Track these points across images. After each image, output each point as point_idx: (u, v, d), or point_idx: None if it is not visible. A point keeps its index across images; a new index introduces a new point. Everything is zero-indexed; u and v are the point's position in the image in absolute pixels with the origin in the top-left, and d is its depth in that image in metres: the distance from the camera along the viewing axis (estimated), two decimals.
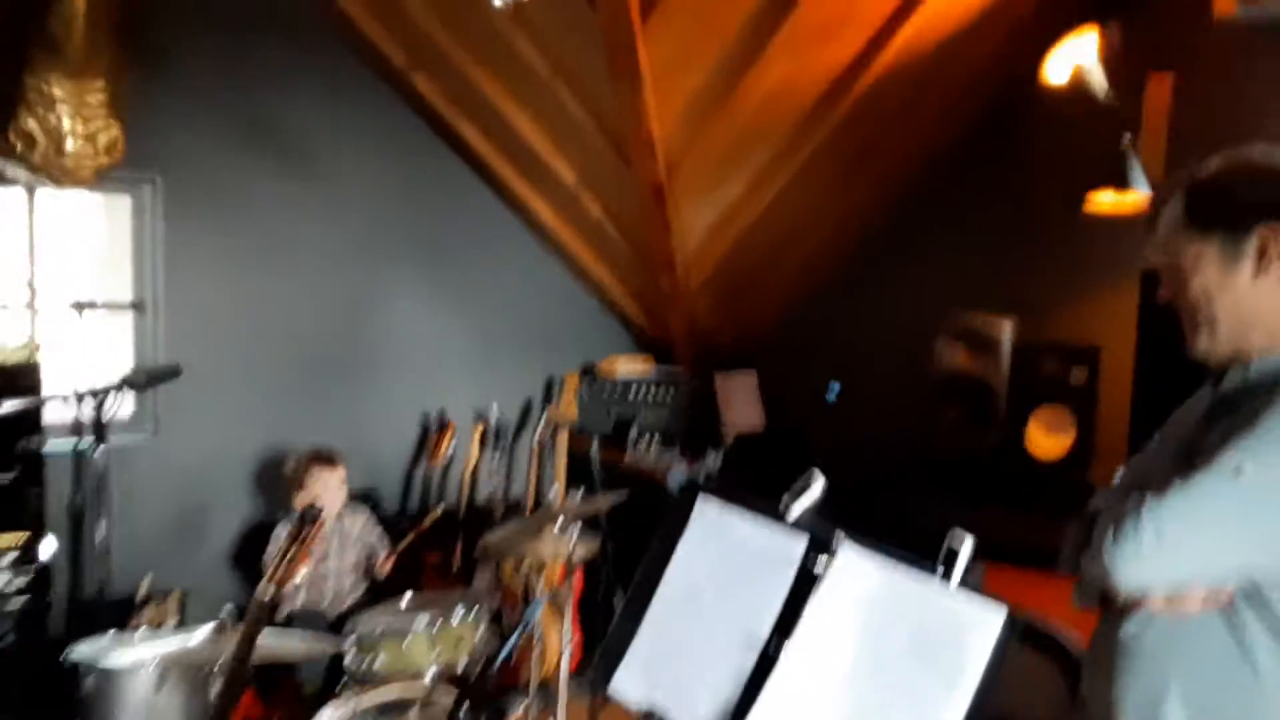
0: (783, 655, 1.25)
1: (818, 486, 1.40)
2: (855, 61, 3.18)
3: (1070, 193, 3.17)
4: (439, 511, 3.98)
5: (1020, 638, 1.12)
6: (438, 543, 4.10)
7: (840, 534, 1.32)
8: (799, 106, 3.31)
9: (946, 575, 1.20)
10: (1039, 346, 3.27)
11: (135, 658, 2.31)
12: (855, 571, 1.27)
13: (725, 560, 1.38)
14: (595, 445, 3.50)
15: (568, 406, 4.25)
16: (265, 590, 2.06)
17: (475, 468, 4.21)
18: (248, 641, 2.04)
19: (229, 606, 2.36)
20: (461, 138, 4.05)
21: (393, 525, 3.94)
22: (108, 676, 2.59)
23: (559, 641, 3.97)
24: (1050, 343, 3.30)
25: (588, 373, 4.54)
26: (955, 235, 3.89)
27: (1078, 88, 2.94)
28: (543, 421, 4.20)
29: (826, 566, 1.29)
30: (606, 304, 4.83)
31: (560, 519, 2.70)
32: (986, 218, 3.80)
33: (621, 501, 2.79)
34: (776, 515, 1.41)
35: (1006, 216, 3.69)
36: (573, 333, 4.79)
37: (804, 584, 1.30)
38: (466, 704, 1.91)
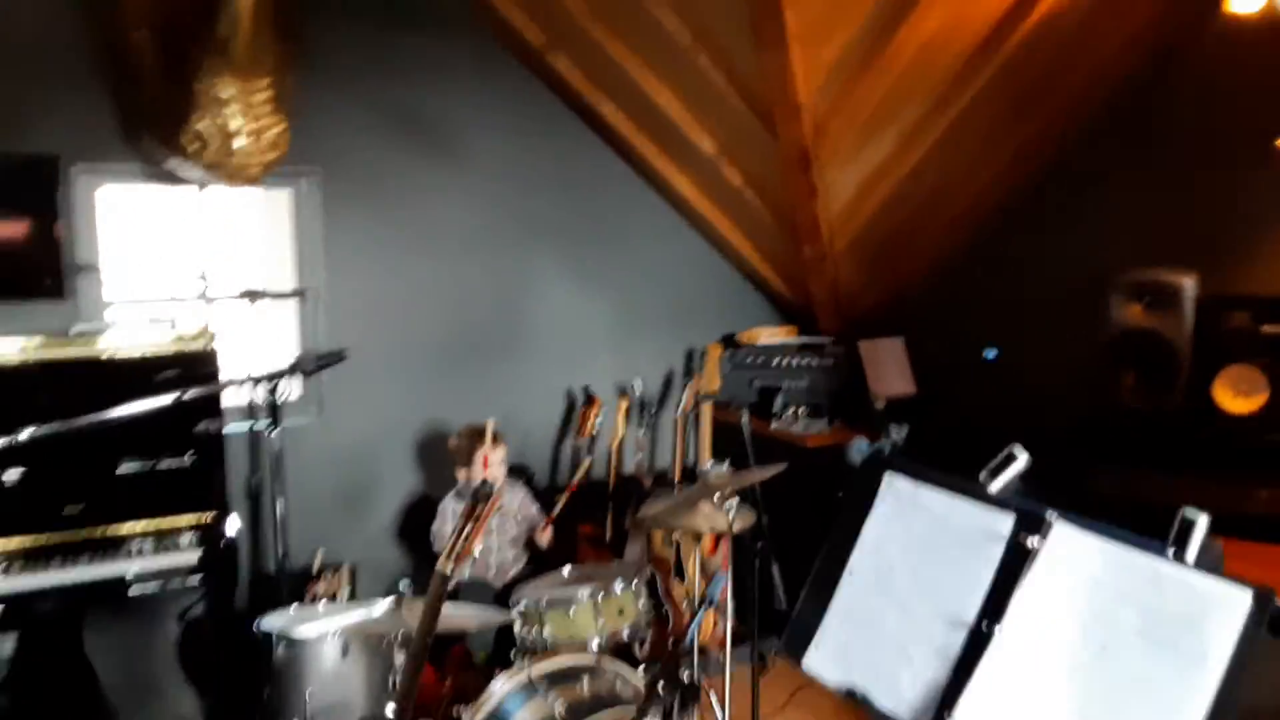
0: (996, 636, 1.19)
1: (1021, 461, 1.33)
2: (1015, 6, 3.00)
3: (1259, 133, 2.91)
4: (588, 463, 4.07)
5: (1272, 624, 1.03)
6: (588, 515, 4.16)
7: (1052, 511, 1.25)
8: (954, 58, 3.15)
9: (1179, 554, 1.12)
10: (1226, 300, 3.03)
11: (322, 628, 2.43)
12: (1073, 549, 1.20)
13: (921, 539, 1.32)
14: (746, 417, 3.46)
15: (711, 378, 4.22)
16: (445, 566, 2.12)
17: (621, 440, 4.25)
18: (431, 614, 2.10)
19: (405, 581, 2.45)
20: (601, 116, 4.05)
21: (543, 499, 4.02)
22: (297, 646, 2.75)
23: (713, 611, 4.01)
24: (1239, 296, 3.06)
25: (729, 343, 4.50)
26: (1125, 186, 3.65)
27: (1272, 15, 2.68)
28: (686, 393, 4.19)
29: (1039, 544, 1.22)
30: (746, 274, 4.77)
31: (719, 492, 2.68)
32: (1161, 165, 3.54)
33: (780, 473, 2.75)
34: (975, 491, 1.34)
35: (1184, 163, 3.43)
36: (713, 304, 4.77)
37: (1013, 562, 1.24)
38: (662, 681, 1.91)
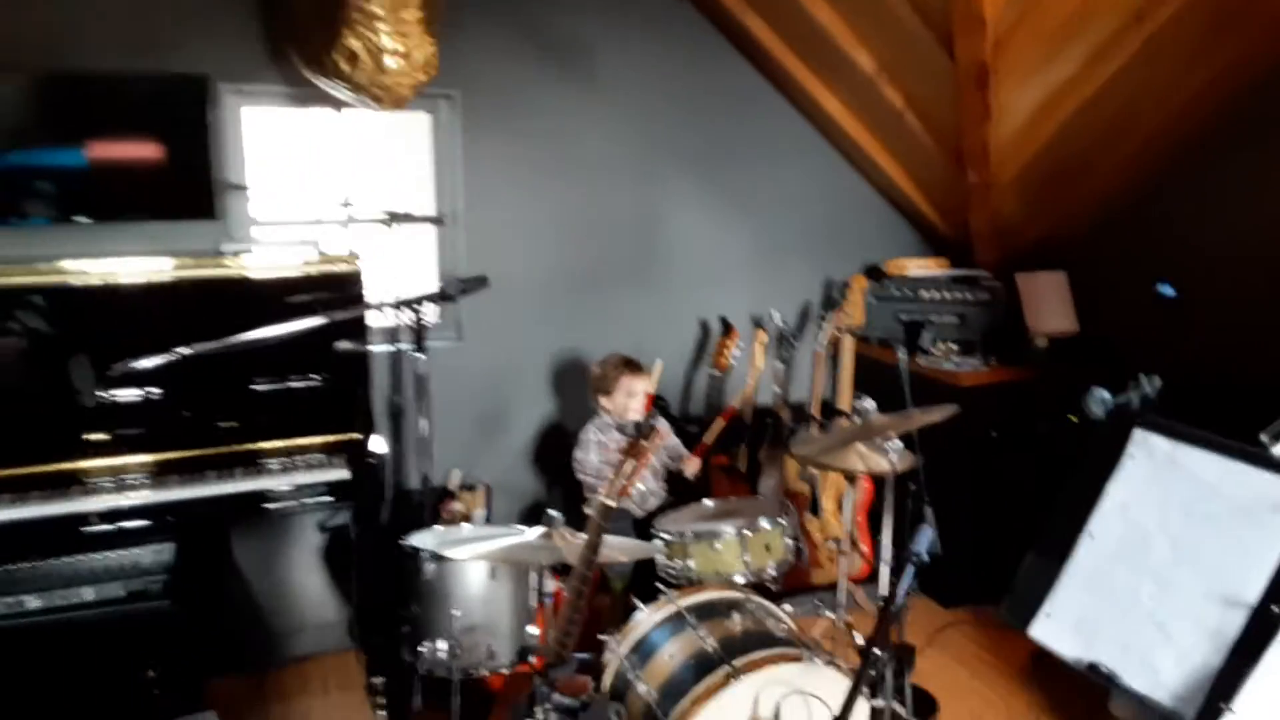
0: None
1: None
2: None
3: None
4: (751, 388, 4.00)
5: None
6: (722, 446, 4.08)
7: None
8: None
9: None
10: None
11: (472, 551, 2.41)
12: None
13: (1183, 505, 1.17)
14: (904, 354, 3.28)
15: (854, 310, 4.04)
16: (609, 499, 2.06)
17: (758, 373, 4.12)
18: (593, 547, 2.05)
19: (558, 515, 2.40)
20: (748, 33, 3.83)
21: (676, 430, 3.95)
22: (446, 566, 2.77)
23: (851, 549, 3.89)
24: None
25: (873, 275, 4.28)
26: None
27: None
28: (827, 326, 4.02)
29: None
30: (894, 202, 4.52)
31: (883, 433, 2.54)
32: None
33: (952, 416, 2.59)
34: (1254, 455, 1.17)
35: None
36: (855, 233, 4.55)
37: None
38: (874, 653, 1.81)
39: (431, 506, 3.83)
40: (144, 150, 3.40)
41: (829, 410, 4.04)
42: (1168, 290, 3.85)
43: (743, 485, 3.97)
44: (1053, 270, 4.18)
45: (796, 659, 2.33)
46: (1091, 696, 2.86)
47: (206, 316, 3.16)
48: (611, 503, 2.06)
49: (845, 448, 2.65)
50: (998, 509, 3.88)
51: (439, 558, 2.72)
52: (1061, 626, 1.19)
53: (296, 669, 3.55)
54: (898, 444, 2.60)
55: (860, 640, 3.18)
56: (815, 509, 3.90)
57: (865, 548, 3.89)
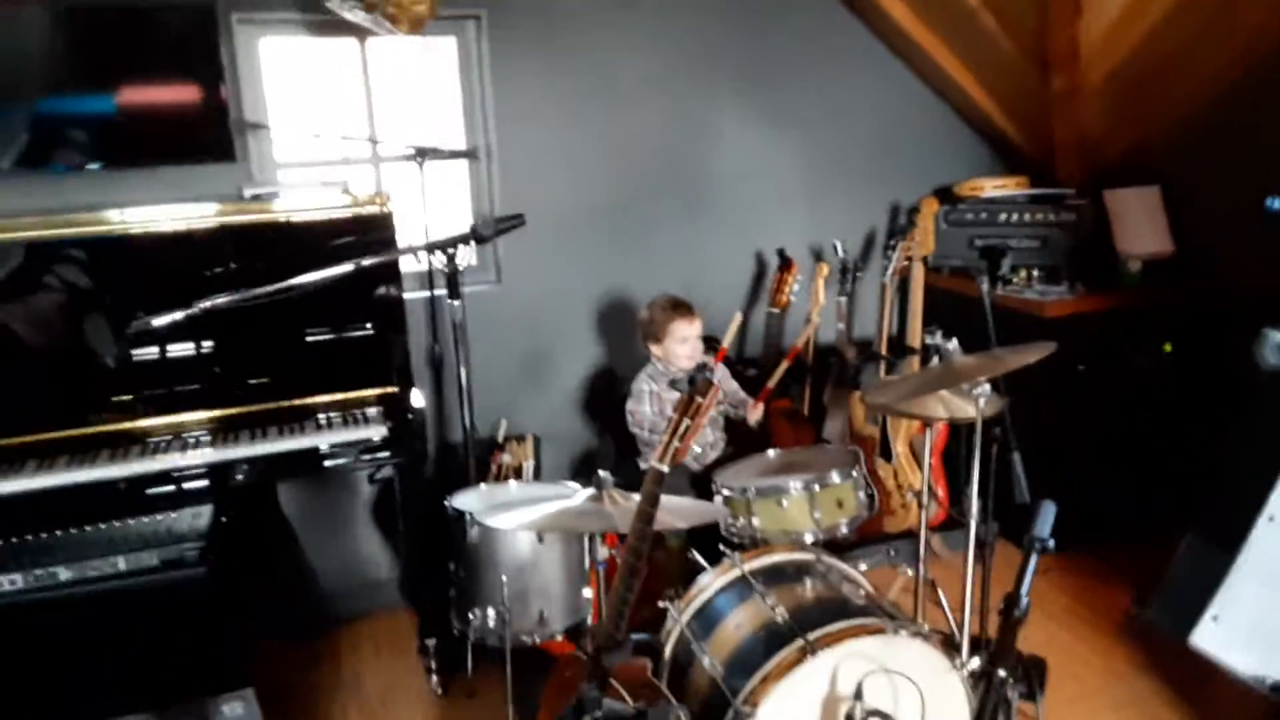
0: None
1: None
2: None
3: None
4: (813, 326, 3.80)
5: None
6: (783, 389, 3.82)
7: None
8: None
9: None
10: None
11: (519, 519, 2.20)
12: None
13: None
14: (986, 285, 2.95)
15: (924, 237, 3.70)
16: (662, 462, 1.82)
17: (820, 309, 3.83)
18: (645, 520, 1.82)
19: (607, 475, 2.18)
20: None
21: (734, 374, 3.69)
22: (491, 529, 2.57)
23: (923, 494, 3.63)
24: None
25: (945, 197, 3.93)
26: None
27: None
28: (895, 255, 3.70)
29: None
30: (966, 115, 4.13)
31: (971, 378, 2.26)
32: None
33: (1048, 355, 2.29)
34: None
35: None
36: (922, 152, 4.18)
37: None
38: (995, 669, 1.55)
39: (478, 459, 3.65)
40: (157, 90, 3.18)
41: (898, 347, 3.74)
42: (1277, 204, 3.45)
43: (807, 430, 3.71)
44: (1145, 186, 3.79)
45: (879, 630, 2.10)
46: (1186, 652, 2.60)
47: (243, 265, 3.01)
48: (664, 468, 1.82)
49: (928, 393, 2.37)
50: (1087, 448, 3.58)
51: (484, 526, 2.51)
52: (1233, 633, 0.94)
53: (348, 629, 3.43)
54: (985, 387, 2.31)
55: (945, 603, 2.97)
56: (887, 453, 3.63)
57: (941, 492, 3.62)
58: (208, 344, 3.01)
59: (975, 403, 2.32)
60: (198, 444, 2.88)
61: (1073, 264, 3.66)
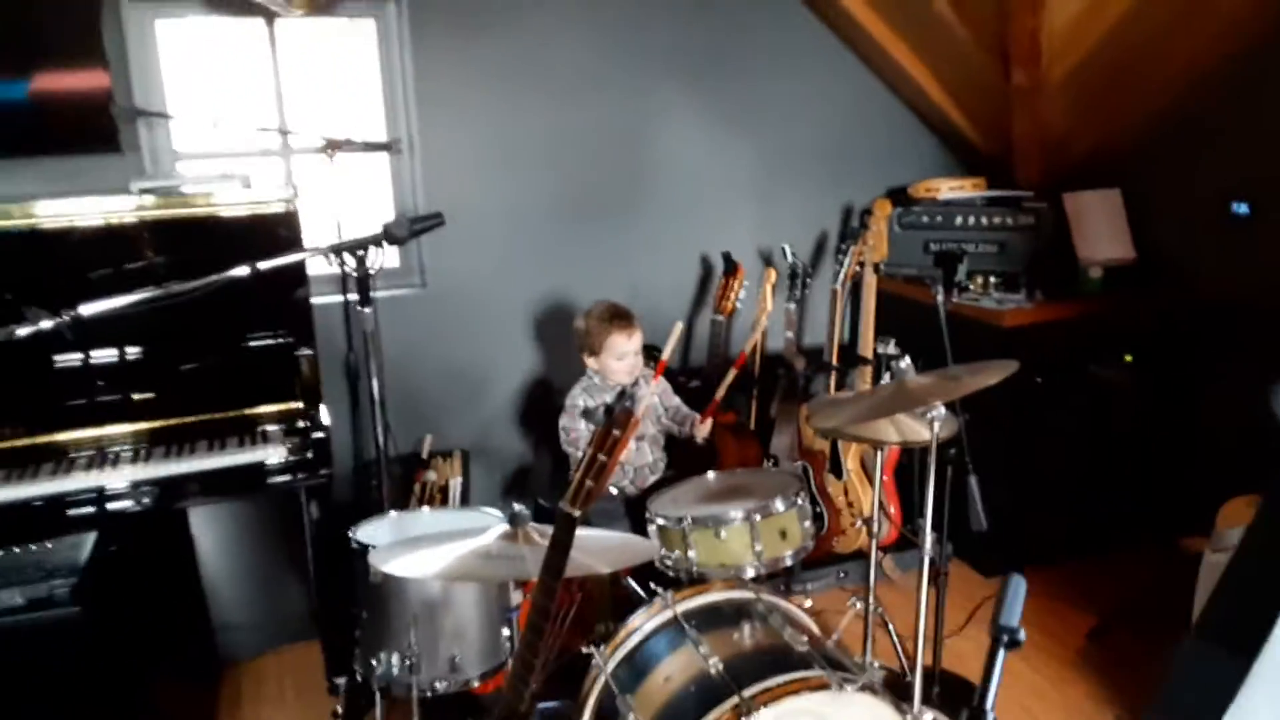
0: None
1: None
2: None
3: None
4: (760, 334, 3.56)
5: None
6: (728, 401, 3.59)
7: None
8: None
9: None
10: None
11: (420, 564, 1.94)
12: None
13: None
14: (941, 295, 2.75)
15: (878, 241, 3.49)
16: (572, 506, 1.57)
17: (767, 316, 3.60)
18: (553, 572, 1.57)
19: (521, 509, 1.93)
20: None
21: (675, 386, 3.46)
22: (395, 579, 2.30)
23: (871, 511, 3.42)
24: None
25: (899, 199, 3.73)
26: None
27: None
28: (848, 260, 3.48)
29: None
30: (921, 114, 3.93)
31: (924, 400, 2.04)
32: None
33: (1011, 375, 2.08)
34: None
35: None
36: (874, 152, 3.97)
37: None
38: None
39: (401, 477, 3.38)
40: (35, 76, 2.86)
41: (849, 357, 3.53)
42: (1241, 209, 3.30)
43: (753, 445, 3.49)
44: (1106, 188, 3.62)
45: (823, 685, 1.87)
46: (1155, 685, 2.42)
47: (126, 267, 2.70)
48: (575, 512, 1.57)
49: (877, 417, 2.16)
50: (1046, 463, 3.40)
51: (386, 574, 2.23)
52: None
53: (254, 666, 3.14)
54: (940, 410, 2.09)
55: (895, 638, 2.76)
56: (837, 469, 3.42)
57: (893, 510, 3.42)
58: (87, 355, 2.71)
59: (929, 427, 2.10)
60: (72, 469, 2.57)
61: (1031, 270, 3.47)
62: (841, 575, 3.44)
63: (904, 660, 2.76)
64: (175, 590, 3.12)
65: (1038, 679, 2.89)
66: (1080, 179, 3.63)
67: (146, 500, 2.59)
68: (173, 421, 2.70)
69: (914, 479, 3.50)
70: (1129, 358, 3.48)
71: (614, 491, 2.99)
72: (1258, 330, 3.15)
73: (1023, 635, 1.05)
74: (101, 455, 2.62)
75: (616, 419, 1.55)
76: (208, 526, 3.20)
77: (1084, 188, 3.61)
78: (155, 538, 3.09)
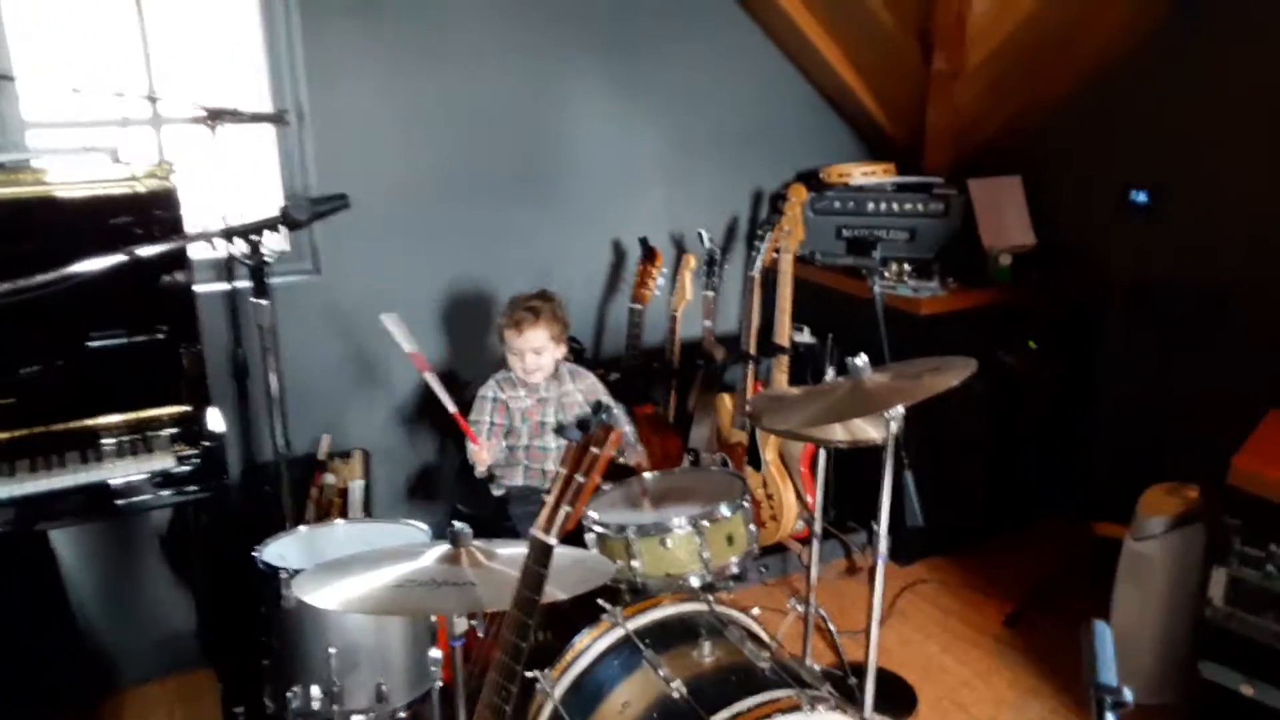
0: None
1: None
2: None
3: None
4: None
5: None
6: (646, 393, 3.47)
7: None
8: None
9: None
10: None
11: (348, 591, 1.73)
12: None
13: None
14: (878, 286, 2.68)
15: (793, 226, 3.42)
16: (544, 538, 1.41)
17: (684, 304, 3.49)
18: (525, 607, 1.41)
19: (463, 528, 1.75)
20: None
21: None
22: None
23: (793, 503, 3.39)
24: None
25: (811, 184, 3.67)
26: None
27: None
28: (765, 246, 3.40)
29: None
30: (830, 98, 3.88)
31: (887, 402, 1.96)
32: None
33: (970, 377, 2.03)
34: None
35: None
36: (784, 135, 3.91)
37: None
38: None
39: (297, 480, 3.10)
40: None
41: (765, 345, 3.45)
42: (1140, 197, 3.40)
43: (673, 437, 3.38)
44: (1008, 175, 3.67)
45: (793, 707, 1.77)
46: (1076, 669, 2.47)
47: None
48: (551, 540, 1.41)
49: (833, 420, 2.07)
50: (958, 450, 3.43)
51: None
52: None
53: (136, 695, 2.83)
54: (900, 411, 2.02)
55: (838, 639, 2.72)
56: (755, 461, 3.35)
57: (811, 500, 3.39)
58: None
59: (887, 428, 2.04)
60: None
61: (943, 257, 3.48)
62: (763, 570, 3.39)
63: (843, 659, 2.72)
64: (43, 616, 2.76)
65: (965, 671, 2.91)
66: (982, 166, 3.67)
67: (3, 523, 2.25)
68: (36, 430, 2.36)
69: (830, 470, 3.51)
70: (1032, 344, 3.55)
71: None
72: (1158, 315, 3.25)
73: (1128, 695, 0.95)
74: None
75: (595, 435, 1.39)
76: (78, 541, 2.85)
77: (988, 174, 3.65)
78: (19, 557, 2.73)
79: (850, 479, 3.36)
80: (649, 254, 3.35)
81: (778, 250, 3.41)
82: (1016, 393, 3.52)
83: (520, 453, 2.87)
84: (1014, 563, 3.46)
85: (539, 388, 2.84)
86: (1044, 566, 3.32)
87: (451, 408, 2.59)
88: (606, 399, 3.01)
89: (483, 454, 2.70)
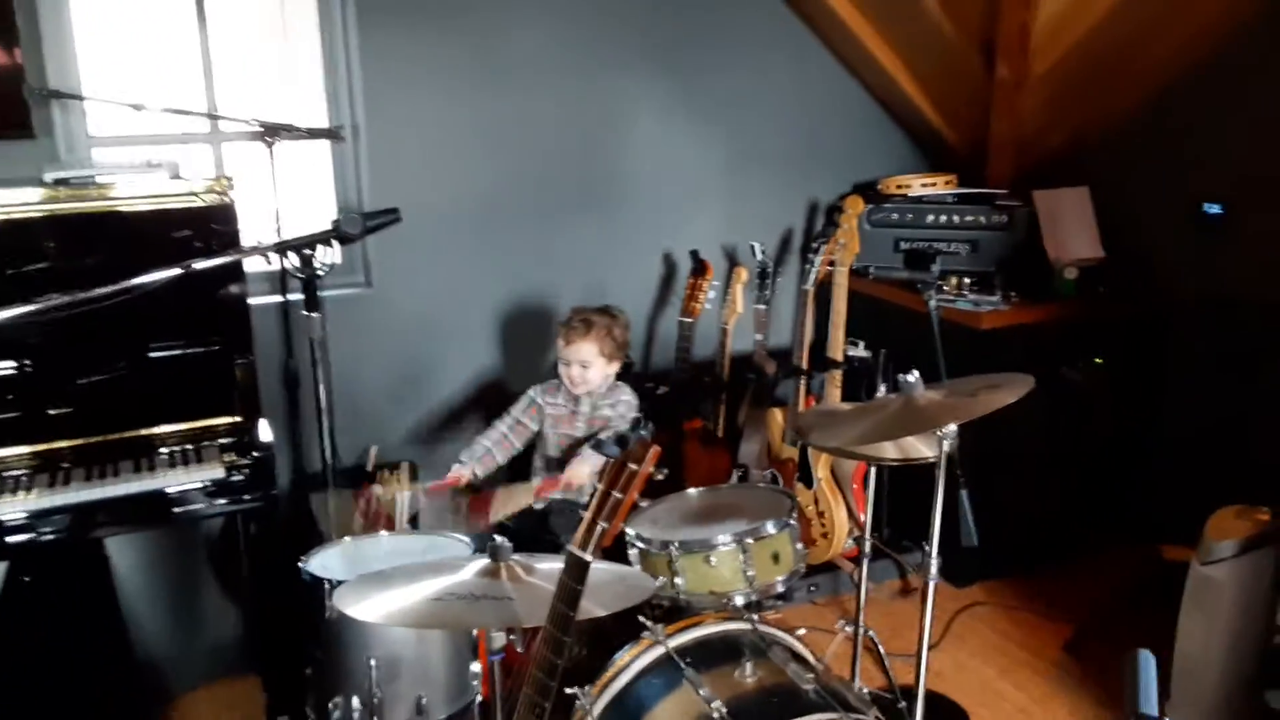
0: None
1: None
2: None
3: None
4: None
5: None
6: (694, 407, 3.43)
7: None
8: None
9: None
10: None
11: (389, 604, 1.72)
12: None
13: None
14: (934, 301, 2.61)
15: (850, 239, 3.35)
16: (581, 554, 1.38)
17: (735, 318, 3.45)
18: (561, 624, 1.38)
19: (503, 541, 1.73)
20: None
21: (638, 387, 3.28)
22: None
23: (844, 521, 3.31)
24: None
25: (868, 195, 3.61)
26: None
27: None
28: (820, 259, 3.34)
29: None
30: (891, 108, 3.81)
31: (938, 420, 1.90)
32: None
33: (1028, 394, 1.96)
34: None
35: None
36: (841, 147, 3.85)
37: None
38: None
39: (346, 494, 3.13)
40: None
41: (819, 360, 3.38)
42: (1213, 209, 3.27)
43: (722, 453, 3.34)
44: (1074, 186, 3.55)
45: None
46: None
47: (40, 266, 2.39)
48: (588, 557, 1.39)
49: (884, 439, 2.02)
50: (1018, 469, 3.32)
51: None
52: None
53: (183, 704, 2.84)
54: (953, 429, 1.96)
55: (886, 661, 2.65)
56: (807, 478, 3.28)
57: (862, 517, 3.30)
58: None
59: (939, 446, 1.97)
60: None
61: (1005, 270, 3.38)
62: (812, 589, 3.32)
63: (893, 683, 2.64)
64: (95, 622, 2.82)
65: (1022, 697, 2.80)
66: (1048, 178, 3.56)
67: (60, 530, 2.30)
68: (93, 440, 2.42)
69: (885, 488, 3.43)
70: (1099, 360, 3.43)
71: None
72: (1229, 331, 3.12)
73: None
74: (9, 480, 2.31)
75: (633, 452, 1.36)
76: (130, 550, 2.91)
77: (1052, 186, 3.54)
78: (73, 565, 2.79)
79: (906, 497, 3.28)
80: (700, 267, 3.32)
81: (832, 263, 3.35)
82: (1081, 410, 3.40)
83: (553, 464, 2.86)
84: (1074, 586, 3.34)
85: (579, 399, 2.83)
86: (1105, 590, 3.20)
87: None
88: (614, 396, 2.96)
89: (456, 477, 2.73)
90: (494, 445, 2.86)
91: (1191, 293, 3.32)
